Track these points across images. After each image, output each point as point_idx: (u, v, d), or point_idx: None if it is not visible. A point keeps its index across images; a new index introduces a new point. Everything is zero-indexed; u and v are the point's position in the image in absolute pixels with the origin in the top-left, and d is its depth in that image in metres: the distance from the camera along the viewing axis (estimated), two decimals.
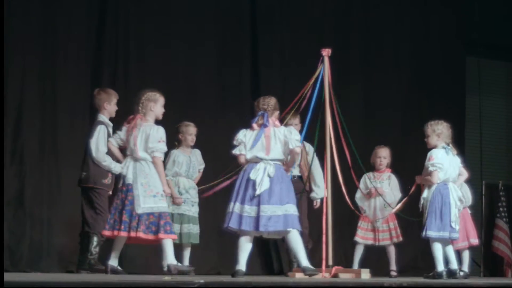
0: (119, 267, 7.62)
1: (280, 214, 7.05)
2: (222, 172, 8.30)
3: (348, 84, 11.39)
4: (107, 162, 8.02)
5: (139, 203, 7.40)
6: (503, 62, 13.24)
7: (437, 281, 7.51)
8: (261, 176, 7.06)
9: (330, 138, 8.09)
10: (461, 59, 12.50)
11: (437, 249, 7.81)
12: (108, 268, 7.56)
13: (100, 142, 8.03)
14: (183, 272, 7.53)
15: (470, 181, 9.15)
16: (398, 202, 9.03)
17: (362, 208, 9.41)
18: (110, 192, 8.15)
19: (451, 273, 7.83)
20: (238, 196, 7.11)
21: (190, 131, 8.78)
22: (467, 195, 9.14)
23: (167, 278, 6.24)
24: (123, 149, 7.80)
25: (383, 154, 9.54)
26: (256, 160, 7.17)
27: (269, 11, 11.19)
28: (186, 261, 8.67)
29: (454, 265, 7.89)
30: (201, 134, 8.97)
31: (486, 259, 11.88)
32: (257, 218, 7.02)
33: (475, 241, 9.13)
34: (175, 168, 8.68)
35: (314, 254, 9.34)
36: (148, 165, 7.52)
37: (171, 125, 8.74)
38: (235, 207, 7.09)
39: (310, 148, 8.84)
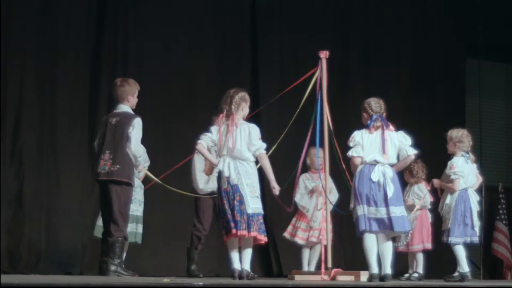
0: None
1: (403, 215, 7.18)
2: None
3: (348, 85, 11.38)
4: (142, 158, 7.66)
5: (248, 203, 6.98)
6: (504, 64, 13.24)
7: (435, 284, 7.51)
8: (383, 178, 7.09)
9: (332, 138, 8.07)
10: (461, 61, 12.50)
11: (460, 251, 8.02)
12: (236, 273, 6.92)
13: (139, 135, 7.55)
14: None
15: None
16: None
17: (304, 208, 9.31)
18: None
19: (463, 276, 8.02)
20: (365, 199, 7.11)
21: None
22: (426, 196, 9.15)
23: (166, 280, 6.23)
24: None
25: (320, 154, 9.39)
26: (374, 163, 7.15)
27: (269, 12, 11.19)
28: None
29: (464, 268, 8.05)
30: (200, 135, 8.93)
31: (485, 261, 11.87)
32: (388, 219, 7.06)
33: (429, 245, 9.06)
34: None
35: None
36: (250, 165, 7.09)
37: (169, 125, 8.77)
38: (365, 210, 7.10)
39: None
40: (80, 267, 9.32)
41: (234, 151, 7.00)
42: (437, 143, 8.54)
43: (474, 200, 8.12)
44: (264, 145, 7.14)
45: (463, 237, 8.02)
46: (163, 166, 8.85)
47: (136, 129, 7.49)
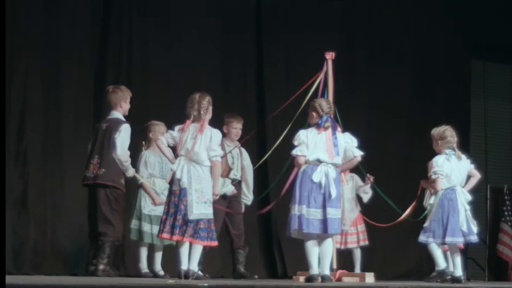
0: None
1: (339, 217, 7.11)
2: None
3: (352, 86, 11.39)
4: (128, 162, 7.90)
5: (192, 209, 7.13)
6: (508, 65, 13.23)
7: (441, 285, 7.50)
8: (325, 178, 7.03)
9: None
10: (466, 62, 12.49)
11: (434, 249, 7.82)
12: (182, 273, 7.10)
13: (126, 141, 7.87)
14: (199, 278, 7.38)
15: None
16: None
17: None
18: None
19: (455, 280, 7.75)
20: (303, 199, 7.04)
21: (161, 130, 8.51)
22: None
23: (170, 281, 6.24)
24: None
25: None
26: (317, 163, 7.11)
27: (273, 12, 11.19)
28: (158, 264, 8.57)
29: (458, 272, 7.79)
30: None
31: (490, 263, 11.85)
32: (324, 221, 6.99)
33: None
34: (148, 170, 8.55)
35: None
36: (203, 170, 7.23)
37: (174, 126, 8.73)
38: (302, 210, 7.02)
39: (245, 154, 8.99)
40: (85, 268, 9.31)
41: (191, 153, 7.15)
42: None
43: (462, 199, 7.85)
44: (221, 153, 7.35)
45: (440, 238, 7.76)
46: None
47: (122, 134, 7.81)
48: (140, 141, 8.68)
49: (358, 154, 7.24)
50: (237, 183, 8.90)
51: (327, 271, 7.02)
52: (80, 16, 9.87)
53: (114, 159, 7.82)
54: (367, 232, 9.76)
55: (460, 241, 7.81)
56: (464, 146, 11.85)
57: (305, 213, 6.97)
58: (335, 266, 7.88)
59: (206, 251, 8.41)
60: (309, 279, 7.00)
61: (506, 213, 11.82)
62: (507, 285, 8.64)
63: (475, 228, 7.84)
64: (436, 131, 8.05)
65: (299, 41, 11.25)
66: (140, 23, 10.29)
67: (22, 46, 9.46)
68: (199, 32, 10.59)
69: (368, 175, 9.12)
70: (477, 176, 8.17)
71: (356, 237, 9.48)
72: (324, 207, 6.99)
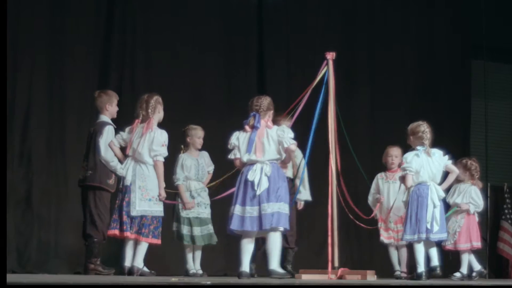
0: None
1: (275, 212, 7.06)
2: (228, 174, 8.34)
3: (354, 87, 11.41)
4: (115, 162, 8.07)
5: (135, 205, 7.68)
6: (509, 65, 13.25)
7: (440, 283, 7.54)
8: (258, 176, 7.07)
9: (335, 140, 8.12)
10: (466, 62, 12.51)
11: (418, 251, 7.76)
12: (125, 270, 7.75)
13: (108, 142, 8.08)
14: (144, 275, 7.67)
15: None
16: None
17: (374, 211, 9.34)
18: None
19: (431, 270, 7.75)
20: (238, 198, 7.13)
21: (199, 134, 8.83)
22: (479, 201, 9.13)
23: (174, 279, 6.27)
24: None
25: (395, 153, 9.42)
26: (252, 162, 7.17)
27: (275, 12, 11.21)
28: (198, 264, 8.73)
29: (434, 262, 7.78)
30: (207, 137, 8.99)
31: (491, 261, 11.87)
32: (259, 217, 7.03)
33: (478, 244, 9.08)
34: (185, 172, 8.71)
35: (319, 255, 9.40)
36: (148, 168, 7.71)
37: (177, 127, 8.79)
38: (235, 209, 7.11)
39: (298, 151, 8.87)
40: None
41: (135, 153, 7.67)
42: (443, 145, 8.54)
43: (433, 196, 7.75)
44: (164, 154, 7.75)
45: (414, 234, 7.70)
46: (170, 167, 8.89)
47: (105, 136, 8.06)
48: (179, 144, 8.78)
49: (289, 143, 7.16)
50: (289, 181, 8.64)
51: (273, 266, 7.08)
52: (84, 14, 9.91)
53: (100, 160, 8.04)
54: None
55: (423, 237, 7.72)
56: (465, 145, 11.95)
57: (240, 212, 7.10)
58: (337, 264, 7.92)
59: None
60: (239, 275, 7.05)
61: (506, 211, 11.87)
62: (508, 282, 8.65)
63: (437, 227, 7.72)
64: (410, 126, 8.03)
65: (300, 41, 11.28)
66: (144, 23, 10.33)
67: (26, 45, 9.51)
68: (201, 32, 10.63)
69: None
70: (454, 171, 8.11)
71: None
72: (258, 204, 7.06)
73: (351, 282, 7.13)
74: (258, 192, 7.03)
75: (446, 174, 8.09)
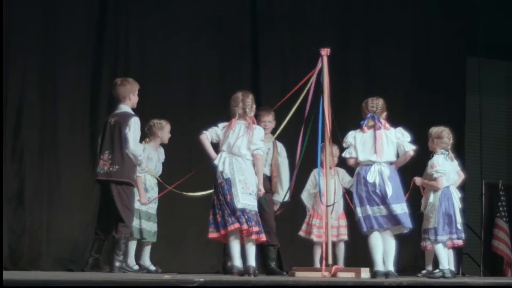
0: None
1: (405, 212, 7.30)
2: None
3: (348, 82, 11.39)
4: (143, 156, 7.80)
5: (238, 199, 7.21)
6: (504, 62, 13.26)
7: (436, 281, 7.54)
8: (379, 177, 7.19)
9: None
10: (461, 59, 12.51)
11: (443, 251, 8.03)
12: (235, 270, 7.19)
13: (138, 135, 7.71)
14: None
15: (470, 181, 9.18)
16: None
17: (307, 206, 9.28)
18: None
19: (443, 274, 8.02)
20: (363, 200, 7.25)
21: (169, 128, 8.68)
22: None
23: (167, 276, 6.27)
24: None
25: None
26: (369, 163, 7.23)
27: (269, 9, 11.19)
28: (147, 259, 8.57)
29: (444, 265, 8.04)
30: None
31: (486, 258, 11.88)
32: (389, 216, 7.22)
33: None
34: (149, 164, 8.52)
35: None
36: (245, 162, 7.32)
37: (170, 123, 8.78)
38: (367, 210, 7.24)
39: (281, 149, 8.84)
40: (81, 264, 9.32)
41: (233, 147, 7.23)
42: None
43: (456, 198, 8.13)
44: (264, 148, 7.41)
45: (448, 235, 8.03)
46: (164, 164, 8.86)
47: (133, 129, 7.64)
48: (174, 144, 8.72)
49: (410, 148, 7.39)
50: (267, 179, 8.61)
51: (391, 268, 7.27)
52: (76, 13, 9.86)
53: (127, 154, 7.62)
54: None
55: (462, 237, 8.19)
56: (459, 142, 11.94)
57: (371, 212, 7.25)
58: (330, 262, 7.91)
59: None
60: (374, 274, 7.24)
61: (501, 208, 11.86)
62: (503, 280, 8.67)
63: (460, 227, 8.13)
64: (434, 129, 8.26)
65: (295, 37, 11.26)
66: (137, 21, 10.29)
67: (19, 44, 9.46)
68: (195, 29, 10.60)
69: None
70: (462, 176, 8.57)
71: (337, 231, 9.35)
72: (387, 204, 7.21)
73: (344, 280, 7.13)
74: (389, 194, 7.17)
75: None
